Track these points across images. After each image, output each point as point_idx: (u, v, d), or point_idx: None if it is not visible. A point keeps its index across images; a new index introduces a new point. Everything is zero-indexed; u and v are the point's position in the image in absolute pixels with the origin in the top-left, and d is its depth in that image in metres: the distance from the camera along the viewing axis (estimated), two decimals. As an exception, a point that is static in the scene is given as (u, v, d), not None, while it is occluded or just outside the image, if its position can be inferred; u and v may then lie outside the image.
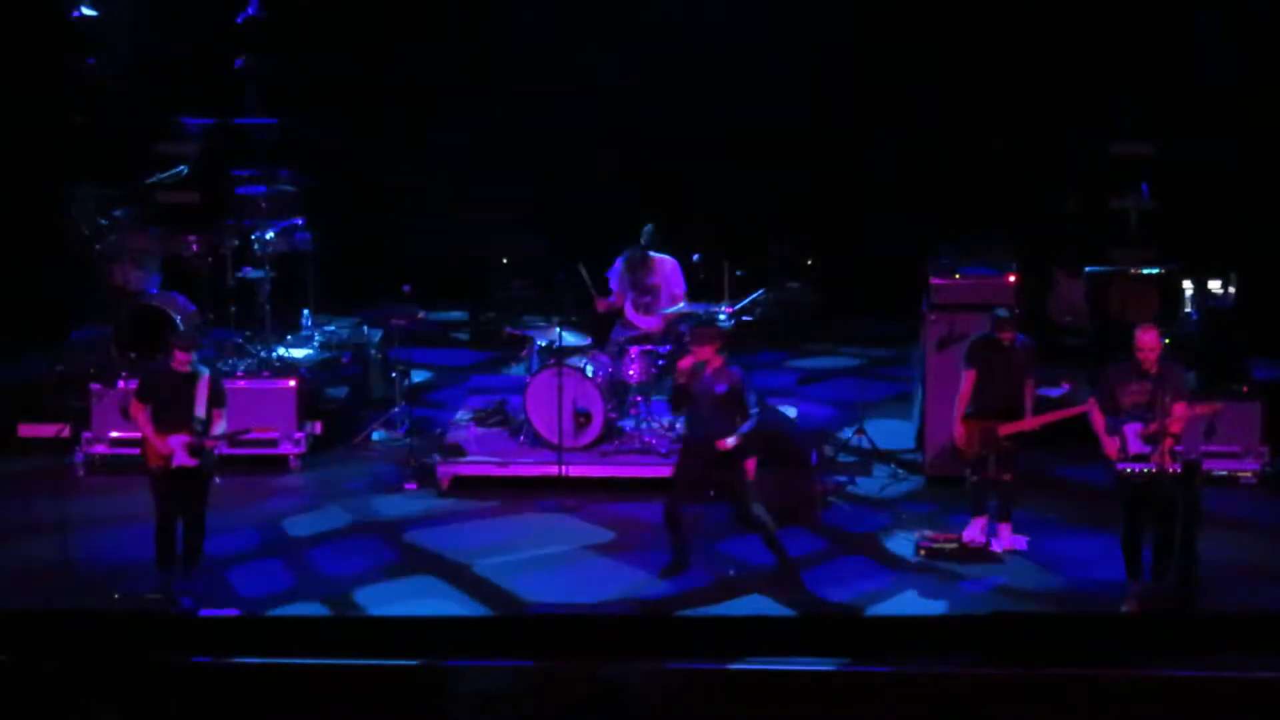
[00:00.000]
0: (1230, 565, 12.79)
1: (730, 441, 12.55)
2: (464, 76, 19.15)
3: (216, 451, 12.75)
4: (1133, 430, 12.05)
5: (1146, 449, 12.00)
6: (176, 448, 12.34)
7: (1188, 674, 9.23)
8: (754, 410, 12.75)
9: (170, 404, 12.42)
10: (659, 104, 19.04)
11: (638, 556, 13.28)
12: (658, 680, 8.99)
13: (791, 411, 15.81)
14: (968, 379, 13.26)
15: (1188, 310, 16.42)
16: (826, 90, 18.90)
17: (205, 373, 12.61)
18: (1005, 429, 13.09)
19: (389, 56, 19.07)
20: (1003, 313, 13.34)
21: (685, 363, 12.88)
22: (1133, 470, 12.01)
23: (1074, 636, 9.97)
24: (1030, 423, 13.12)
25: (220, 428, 12.56)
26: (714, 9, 18.86)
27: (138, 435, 13.04)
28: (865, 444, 15.48)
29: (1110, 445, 12.16)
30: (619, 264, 15.48)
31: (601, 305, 15.56)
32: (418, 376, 17.06)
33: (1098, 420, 12.30)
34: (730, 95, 19.10)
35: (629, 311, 15.54)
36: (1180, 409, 12.03)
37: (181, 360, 12.45)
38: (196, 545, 12.57)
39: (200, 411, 12.42)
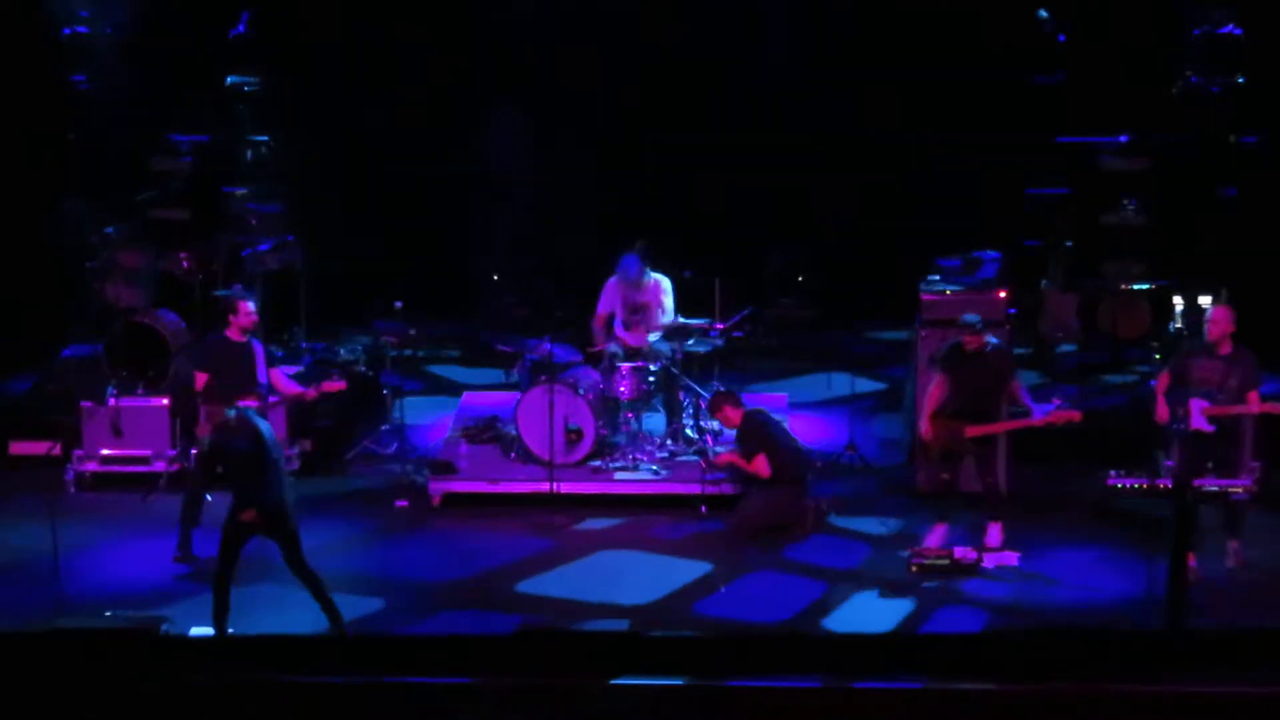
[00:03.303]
0: (1222, 580, 12.80)
1: (251, 515, 11.94)
2: (456, 91, 19.16)
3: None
4: (1198, 405, 12.32)
5: (1210, 428, 12.24)
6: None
7: (1180, 689, 9.22)
8: (281, 463, 12.06)
9: (236, 373, 12.99)
10: (653, 119, 19.09)
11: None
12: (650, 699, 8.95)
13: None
14: (937, 382, 13.56)
15: (1178, 325, 16.41)
16: (822, 103, 18.96)
17: (253, 339, 13.28)
18: (972, 430, 13.31)
19: (379, 73, 19.08)
20: (969, 319, 13.50)
21: (203, 429, 12.76)
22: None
23: (1065, 651, 9.93)
24: (997, 427, 13.41)
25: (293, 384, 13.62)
26: (708, 21, 18.94)
27: (128, 453, 13.46)
28: (857, 460, 15.49)
29: (1161, 410, 12.76)
30: (612, 281, 15.45)
31: (598, 343, 15.51)
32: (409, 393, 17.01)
33: (1162, 382, 12.87)
34: (727, 108, 19.16)
35: (618, 328, 15.53)
36: (1254, 397, 12.51)
37: (246, 310, 13.19)
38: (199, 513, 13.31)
39: (263, 377, 13.15)
